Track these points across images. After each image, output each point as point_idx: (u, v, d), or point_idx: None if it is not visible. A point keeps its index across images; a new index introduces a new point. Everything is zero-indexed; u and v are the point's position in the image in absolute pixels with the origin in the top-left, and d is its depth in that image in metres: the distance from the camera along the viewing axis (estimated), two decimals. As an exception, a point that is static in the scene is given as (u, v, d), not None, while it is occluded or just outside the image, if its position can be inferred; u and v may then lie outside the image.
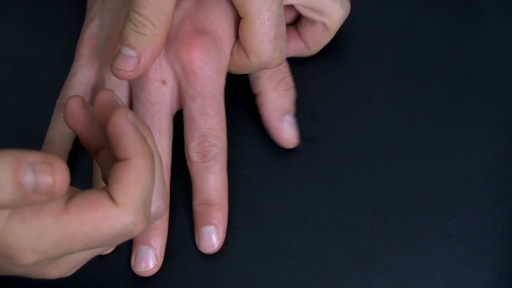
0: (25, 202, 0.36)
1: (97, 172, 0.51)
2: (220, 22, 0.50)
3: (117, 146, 0.38)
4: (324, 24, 0.53)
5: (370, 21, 0.57)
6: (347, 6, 0.53)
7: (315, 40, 0.54)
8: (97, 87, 0.53)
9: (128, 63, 0.47)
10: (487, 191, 0.51)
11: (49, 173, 0.35)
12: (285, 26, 0.50)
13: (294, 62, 0.55)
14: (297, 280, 0.49)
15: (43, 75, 0.57)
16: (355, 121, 0.53)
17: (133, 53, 0.47)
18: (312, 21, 0.53)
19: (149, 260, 0.49)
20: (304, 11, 0.52)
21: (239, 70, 0.51)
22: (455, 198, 0.50)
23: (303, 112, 0.54)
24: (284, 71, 0.53)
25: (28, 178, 0.35)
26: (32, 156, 0.35)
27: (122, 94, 0.51)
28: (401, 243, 0.49)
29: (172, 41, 0.49)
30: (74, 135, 0.53)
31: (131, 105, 0.51)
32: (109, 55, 0.50)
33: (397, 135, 0.53)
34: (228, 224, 0.50)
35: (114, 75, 0.48)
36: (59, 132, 0.52)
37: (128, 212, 0.37)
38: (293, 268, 0.49)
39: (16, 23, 0.59)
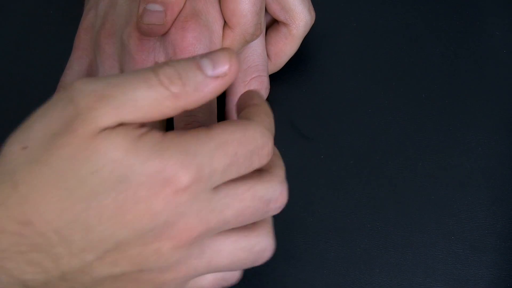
0: None
1: None
2: (212, 2, 0.50)
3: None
4: (288, 28, 0.53)
5: (370, 21, 0.57)
6: (313, 15, 0.54)
7: (278, 47, 0.54)
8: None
9: (157, 17, 0.47)
10: (487, 190, 0.51)
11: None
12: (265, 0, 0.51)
13: (294, 62, 0.55)
14: (296, 279, 0.49)
15: (43, 73, 0.57)
16: (355, 121, 0.53)
17: (159, 8, 0.47)
18: (277, 27, 0.54)
19: None
20: (273, 7, 0.53)
21: None
22: (455, 197, 0.51)
23: (303, 112, 0.54)
24: (261, 69, 0.53)
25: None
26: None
27: None
28: (400, 242, 0.49)
29: None
30: None
31: None
32: (102, 41, 0.50)
33: (397, 135, 0.53)
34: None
35: (143, 33, 0.47)
36: None
37: (261, 126, 0.40)
38: (292, 267, 0.49)
39: (17, 21, 0.59)
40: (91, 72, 0.53)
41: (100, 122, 0.37)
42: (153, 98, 0.37)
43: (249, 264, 0.42)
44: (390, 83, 0.55)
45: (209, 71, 0.38)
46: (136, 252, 0.39)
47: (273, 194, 0.41)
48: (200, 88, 0.38)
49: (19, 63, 0.58)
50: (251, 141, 0.40)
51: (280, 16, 0.53)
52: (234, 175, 0.40)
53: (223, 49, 0.39)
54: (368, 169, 0.52)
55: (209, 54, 0.39)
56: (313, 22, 0.54)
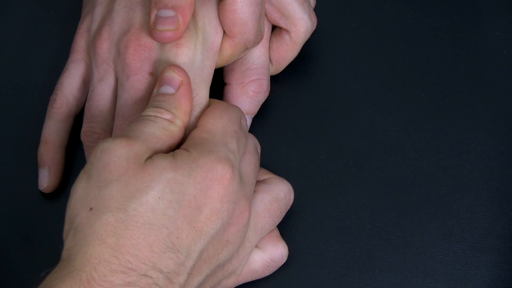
0: None
1: None
2: (209, 17, 0.49)
3: None
4: (289, 35, 0.53)
5: (370, 21, 0.57)
6: (314, 21, 0.54)
7: (280, 53, 0.54)
8: (88, 80, 0.53)
9: (170, 22, 0.47)
10: (487, 190, 0.51)
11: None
12: (264, 5, 0.50)
13: (294, 62, 0.55)
14: (296, 279, 0.49)
15: (42, 73, 0.57)
16: (355, 121, 0.53)
17: (171, 13, 0.47)
18: (279, 33, 0.53)
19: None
20: (273, 15, 0.53)
21: (224, 60, 0.51)
22: (455, 198, 0.51)
23: (303, 112, 0.54)
24: (261, 72, 0.53)
25: None
26: None
27: (108, 84, 0.50)
28: (400, 242, 0.49)
29: None
30: (69, 131, 0.53)
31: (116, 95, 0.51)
32: (98, 46, 0.50)
33: (397, 135, 0.53)
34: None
35: (157, 40, 0.47)
36: (53, 128, 0.53)
37: (226, 103, 0.48)
38: (292, 267, 0.49)
39: (16, 22, 0.59)
40: (87, 75, 0.53)
41: (142, 154, 0.42)
42: (161, 128, 0.44)
43: (283, 210, 0.48)
44: (390, 83, 0.55)
45: (170, 90, 0.45)
46: (213, 252, 0.43)
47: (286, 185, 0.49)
48: (177, 103, 0.45)
49: (19, 64, 0.58)
50: (235, 115, 0.46)
51: (280, 23, 0.53)
52: (242, 148, 0.46)
53: (165, 69, 0.46)
54: (368, 170, 0.52)
55: (160, 82, 0.46)
56: (314, 28, 0.53)
